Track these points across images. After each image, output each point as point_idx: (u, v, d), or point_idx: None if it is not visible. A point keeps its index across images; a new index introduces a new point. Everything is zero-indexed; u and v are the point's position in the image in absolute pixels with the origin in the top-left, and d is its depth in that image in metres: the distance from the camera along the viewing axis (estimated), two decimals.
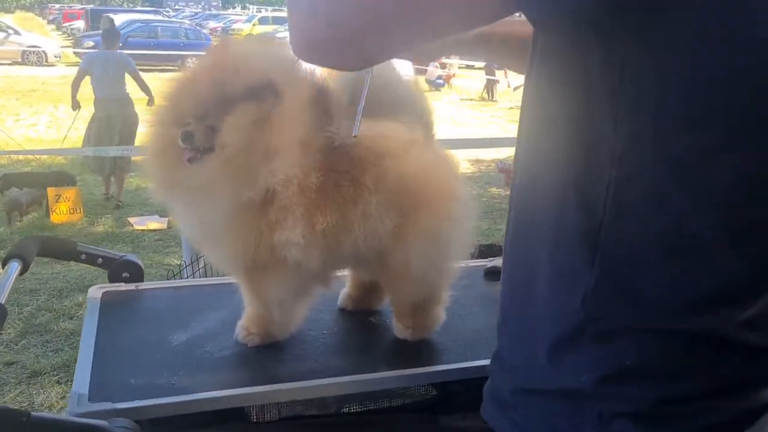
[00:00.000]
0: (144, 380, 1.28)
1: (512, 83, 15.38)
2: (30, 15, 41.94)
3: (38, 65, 20.32)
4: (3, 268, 1.42)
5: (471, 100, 17.55)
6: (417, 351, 1.46)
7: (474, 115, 14.38)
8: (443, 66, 18.26)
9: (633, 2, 0.65)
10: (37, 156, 9.13)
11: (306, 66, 1.34)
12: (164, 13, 36.44)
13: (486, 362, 1.29)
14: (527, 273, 0.83)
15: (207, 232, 1.35)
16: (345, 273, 1.62)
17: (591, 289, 0.74)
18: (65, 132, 9.58)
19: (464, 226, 1.44)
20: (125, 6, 49.67)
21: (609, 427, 0.75)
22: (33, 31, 25.18)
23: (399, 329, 1.50)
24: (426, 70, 17.62)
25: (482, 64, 16.51)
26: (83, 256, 1.65)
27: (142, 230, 6.71)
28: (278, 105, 1.25)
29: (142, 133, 1.34)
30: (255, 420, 1.39)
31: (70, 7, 39.30)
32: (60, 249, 1.64)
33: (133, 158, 7.26)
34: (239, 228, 1.29)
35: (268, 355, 1.40)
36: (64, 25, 33.51)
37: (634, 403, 0.74)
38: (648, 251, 0.71)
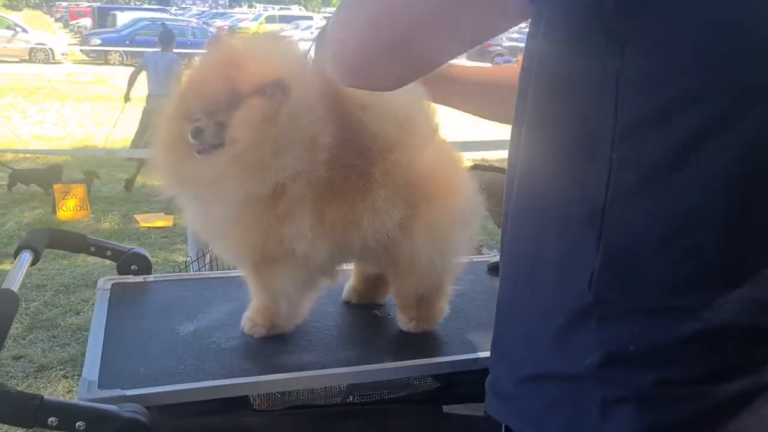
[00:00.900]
0: (152, 368, 1.30)
1: None
2: (37, 13, 42.19)
3: (45, 63, 20.41)
4: (15, 258, 1.45)
5: None
6: (420, 343, 1.48)
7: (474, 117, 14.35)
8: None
9: None
10: (44, 155, 9.19)
11: (315, 63, 1.36)
12: (171, 11, 36.54)
13: (488, 354, 1.31)
14: (530, 261, 0.84)
15: (216, 225, 1.37)
16: (350, 266, 1.64)
17: (596, 272, 0.75)
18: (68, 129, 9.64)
19: (469, 221, 1.46)
20: (132, 4, 49.78)
21: (611, 411, 0.76)
22: (40, 28, 25.30)
23: (403, 321, 1.52)
24: None
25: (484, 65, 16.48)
26: (92, 249, 1.67)
27: (148, 227, 6.76)
28: (287, 101, 1.26)
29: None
30: (260, 408, 1.41)
31: (77, 5, 39.42)
32: (70, 241, 1.66)
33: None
34: (248, 221, 1.31)
35: (274, 345, 1.42)
36: (71, 22, 33.65)
37: (636, 387, 0.75)
38: (650, 232, 0.73)
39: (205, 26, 25.40)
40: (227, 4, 56.38)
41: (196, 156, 1.29)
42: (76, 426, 1.02)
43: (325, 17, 38.19)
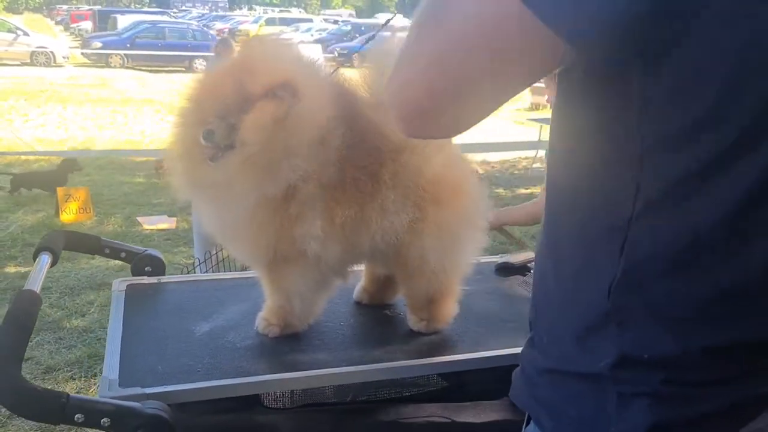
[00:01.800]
0: (170, 367, 1.33)
1: None
2: (38, 16, 42.22)
3: (46, 66, 20.44)
4: (34, 260, 1.48)
5: None
6: (431, 342, 1.51)
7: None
8: None
9: (675, 9, 0.67)
10: (47, 157, 9.22)
11: (325, 66, 1.39)
12: (171, 13, 36.60)
13: (496, 353, 1.35)
14: (557, 264, 0.88)
15: (229, 227, 1.40)
16: (361, 267, 1.67)
17: (616, 282, 0.78)
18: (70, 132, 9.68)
19: (478, 223, 1.50)
20: (132, 7, 49.84)
21: (628, 405, 0.80)
22: (41, 32, 25.33)
23: (413, 321, 1.55)
24: None
25: None
26: (107, 250, 1.71)
27: (151, 230, 6.78)
28: (296, 103, 1.29)
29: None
30: (274, 406, 1.44)
31: (78, 8, 39.48)
32: (85, 243, 1.69)
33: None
34: (261, 222, 1.34)
35: (288, 345, 1.45)
36: (71, 26, 33.67)
37: (649, 385, 0.79)
38: (670, 248, 0.76)
39: (205, 29, 25.47)
40: (227, 6, 56.45)
41: (209, 163, 1.32)
42: (101, 422, 1.05)
43: (324, 19, 38.25)
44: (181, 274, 3.38)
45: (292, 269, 1.40)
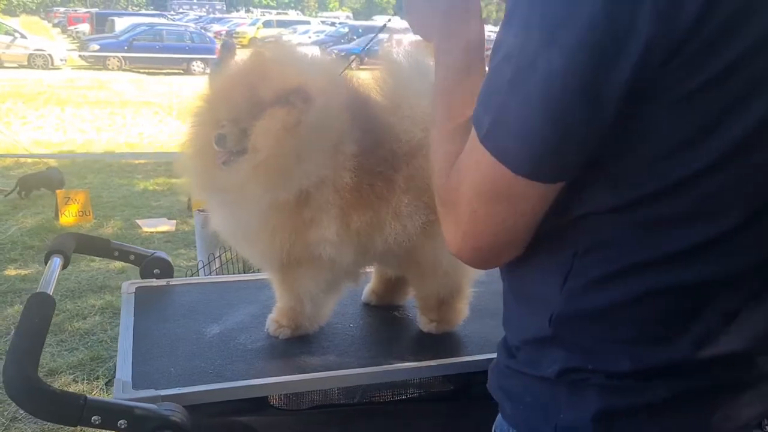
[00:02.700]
0: (182, 369, 1.34)
1: None
2: (35, 18, 42.14)
3: (44, 68, 20.42)
4: (45, 263, 1.48)
5: None
6: (440, 343, 1.52)
7: None
8: None
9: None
10: (44, 159, 9.22)
11: (339, 71, 1.40)
12: (168, 16, 36.59)
13: None
14: (512, 285, 1.00)
15: (242, 230, 1.40)
16: (370, 269, 1.68)
17: (556, 312, 0.89)
18: (69, 134, 9.71)
19: None
20: (129, 9, 49.82)
21: (578, 394, 0.89)
22: (38, 34, 25.31)
23: (424, 322, 1.56)
24: None
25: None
26: (116, 253, 1.71)
27: (151, 232, 6.78)
28: (309, 110, 1.29)
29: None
30: (281, 407, 1.44)
31: (75, 10, 39.48)
32: (95, 246, 1.70)
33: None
34: (275, 226, 1.34)
35: (298, 347, 1.46)
36: (69, 28, 33.65)
37: (598, 380, 0.88)
38: (597, 303, 0.86)
39: (203, 31, 25.47)
40: (224, 8, 56.46)
41: (221, 167, 1.33)
42: (118, 424, 1.06)
43: (322, 21, 38.26)
44: (184, 276, 3.39)
45: (304, 272, 1.40)
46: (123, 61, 20.89)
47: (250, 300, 1.67)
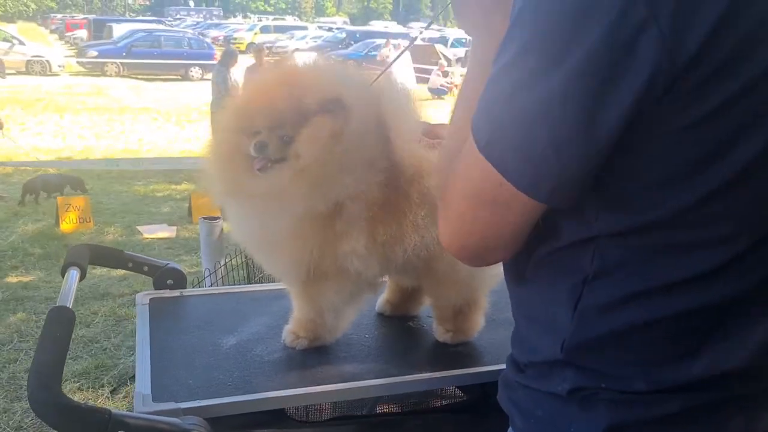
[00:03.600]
0: (201, 381, 1.34)
1: None
2: (32, 25, 42.14)
3: (42, 75, 20.42)
4: (63, 276, 1.48)
5: None
6: (456, 353, 1.52)
7: None
8: (445, 75, 18.38)
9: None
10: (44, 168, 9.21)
11: (371, 85, 1.40)
12: (166, 22, 36.62)
13: None
14: (521, 308, 1.01)
15: (270, 239, 1.39)
16: (384, 279, 1.68)
17: (568, 338, 0.89)
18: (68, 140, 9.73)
19: None
20: (127, 15, 49.85)
21: (588, 408, 0.89)
22: (36, 41, 25.30)
23: (440, 332, 1.56)
24: (429, 78, 17.74)
25: None
26: (130, 264, 1.71)
27: (151, 239, 6.77)
28: (350, 121, 1.30)
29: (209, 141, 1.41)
30: (298, 418, 1.45)
31: (73, 17, 39.49)
32: (109, 257, 1.70)
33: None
34: (305, 237, 1.34)
35: (316, 358, 1.46)
36: (66, 34, 33.65)
37: (609, 394, 0.88)
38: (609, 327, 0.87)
39: (201, 37, 25.48)
40: (222, 14, 56.54)
41: (257, 173, 1.32)
42: None
43: (319, 27, 38.30)
44: (189, 284, 3.38)
45: (330, 284, 1.40)
46: (121, 68, 20.89)
47: (264, 311, 1.67)
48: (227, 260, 3.40)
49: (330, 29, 36.17)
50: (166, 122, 13.75)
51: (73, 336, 3.90)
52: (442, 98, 17.87)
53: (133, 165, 9.79)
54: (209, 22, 43.32)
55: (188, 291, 1.77)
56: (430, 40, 24.05)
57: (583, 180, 0.80)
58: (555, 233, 0.88)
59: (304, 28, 37.02)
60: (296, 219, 1.32)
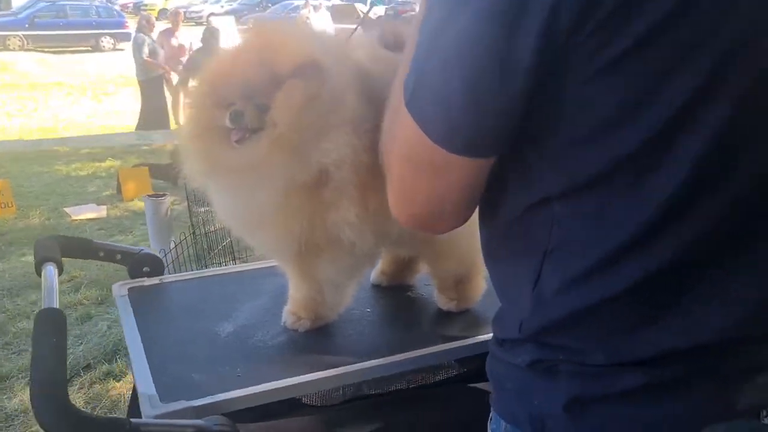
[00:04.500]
0: (206, 374, 1.25)
1: None
2: None
3: None
4: (39, 274, 1.34)
5: None
6: (462, 321, 1.48)
7: None
8: None
9: None
10: None
11: (346, 47, 1.32)
12: None
13: None
14: (492, 279, 1.00)
15: (255, 214, 1.30)
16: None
17: (526, 320, 0.88)
18: None
19: None
20: None
21: (549, 381, 0.87)
22: None
23: (442, 301, 1.52)
24: None
25: None
26: (101, 254, 1.58)
27: (80, 220, 6.46)
28: (325, 83, 1.22)
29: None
30: (312, 403, 1.38)
31: None
32: (77, 248, 1.56)
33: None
34: (293, 209, 1.26)
35: (320, 337, 1.39)
36: None
37: (572, 369, 0.86)
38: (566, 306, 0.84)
39: (109, 5, 24.22)
40: None
41: (235, 145, 1.24)
42: None
43: None
44: None
45: (325, 257, 1.33)
46: (25, 40, 19.63)
47: (255, 292, 1.58)
48: (179, 241, 3.25)
49: None
50: (81, 96, 13.09)
51: (13, 329, 3.68)
52: None
53: (51, 144, 9.29)
54: None
55: (168, 277, 1.65)
56: None
57: (502, 130, 0.77)
58: (510, 199, 0.85)
59: None
60: (281, 191, 1.24)
